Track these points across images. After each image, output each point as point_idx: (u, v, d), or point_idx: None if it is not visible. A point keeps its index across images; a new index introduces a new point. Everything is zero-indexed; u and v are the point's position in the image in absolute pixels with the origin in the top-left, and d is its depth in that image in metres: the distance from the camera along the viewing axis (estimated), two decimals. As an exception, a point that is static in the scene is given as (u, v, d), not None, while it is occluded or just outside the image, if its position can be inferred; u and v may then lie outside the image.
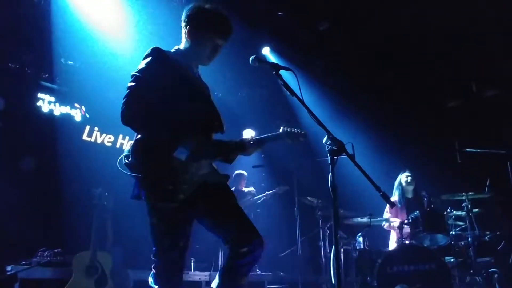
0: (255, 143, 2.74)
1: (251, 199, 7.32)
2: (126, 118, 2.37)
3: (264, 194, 7.33)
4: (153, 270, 2.52)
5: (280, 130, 2.83)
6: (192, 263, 6.26)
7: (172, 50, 2.67)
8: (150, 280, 2.54)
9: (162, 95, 2.42)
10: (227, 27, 2.67)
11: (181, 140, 2.41)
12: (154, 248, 2.50)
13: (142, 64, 2.47)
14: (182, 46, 2.69)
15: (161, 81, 2.44)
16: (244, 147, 2.71)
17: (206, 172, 2.52)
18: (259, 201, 7.40)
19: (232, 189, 7.53)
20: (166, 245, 2.46)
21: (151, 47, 2.54)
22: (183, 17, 2.67)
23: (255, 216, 7.45)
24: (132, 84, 2.40)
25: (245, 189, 7.49)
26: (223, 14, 2.66)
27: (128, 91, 2.39)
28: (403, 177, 6.01)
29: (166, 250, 2.47)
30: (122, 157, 2.43)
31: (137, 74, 2.43)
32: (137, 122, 2.41)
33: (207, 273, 5.98)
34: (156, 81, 2.42)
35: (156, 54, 2.52)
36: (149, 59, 2.49)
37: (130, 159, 2.40)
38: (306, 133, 2.89)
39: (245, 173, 7.54)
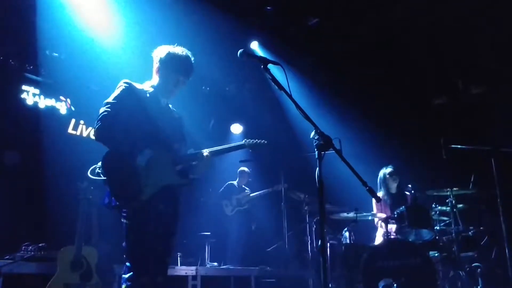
0: (212, 154, 3.06)
1: (250, 195, 7.52)
2: (97, 136, 2.88)
3: (265, 191, 7.46)
4: (125, 267, 2.77)
5: (243, 142, 3.29)
6: (178, 258, 6.25)
7: (141, 85, 3.10)
8: (124, 276, 2.76)
9: (127, 117, 2.88)
10: (189, 67, 3.13)
11: (141, 150, 2.82)
12: (125, 245, 2.79)
13: (114, 93, 2.96)
14: (153, 80, 3.16)
15: (127, 107, 2.90)
16: (201, 158, 3.03)
17: (168, 176, 2.91)
18: (254, 198, 7.54)
19: (235, 183, 7.76)
20: (135, 242, 2.75)
21: (122, 80, 3.02)
22: (154, 57, 3.13)
23: (244, 212, 7.51)
24: (104, 109, 2.87)
25: (245, 187, 7.71)
26: (186, 56, 3.13)
27: (100, 114, 2.86)
28: (386, 174, 6.01)
29: (135, 246, 2.75)
30: (95, 167, 2.91)
31: (108, 101, 2.91)
32: (105, 139, 2.87)
33: (193, 267, 5.97)
34: (122, 107, 2.89)
35: (125, 85, 2.99)
36: (120, 89, 2.97)
37: (100, 169, 2.85)
38: (266, 143, 3.34)
39: (247, 169, 7.88)
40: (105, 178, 2.79)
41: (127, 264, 2.75)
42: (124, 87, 2.98)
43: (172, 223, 2.95)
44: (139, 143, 2.84)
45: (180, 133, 3.19)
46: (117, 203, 2.76)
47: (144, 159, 2.80)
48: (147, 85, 3.12)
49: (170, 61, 3.08)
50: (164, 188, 2.86)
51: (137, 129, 2.88)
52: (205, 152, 3.04)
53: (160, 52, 3.11)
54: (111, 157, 2.83)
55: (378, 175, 6.13)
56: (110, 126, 2.82)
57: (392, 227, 5.41)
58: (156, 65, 3.12)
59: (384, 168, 6.06)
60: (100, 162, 2.84)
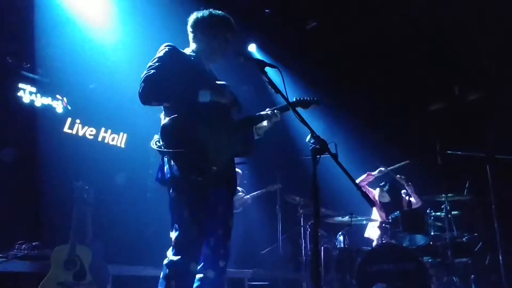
0: (272, 114, 2.94)
1: (243, 197, 7.46)
2: (144, 97, 2.56)
3: (259, 192, 7.42)
4: (173, 244, 2.54)
5: (294, 99, 3.03)
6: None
7: (184, 50, 2.86)
8: (170, 253, 2.54)
9: (175, 81, 2.59)
10: (233, 23, 2.94)
11: (202, 114, 2.56)
12: (175, 224, 2.54)
13: (157, 55, 2.68)
14: (191, 47, 2.91)
15: (173, 69, 2.63)
16: (270, 116, 2.91)
17: (233, 145, 2.70)
18: (249, 200, 7.49)
19: None
20: (188, 220, 2.52)
21: (164, 44, 2.75)
22: (191, 24, 2.90)
23: (238, 215, 7.50)
24: (145, 72, 2.58)
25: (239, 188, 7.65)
26: (227, 14, 2.95)
27: (142, 77, 2.57)
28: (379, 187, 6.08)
29: (187, 224, 2.52)
30: (153, 141, 2.58)
31: (150, 64, 2.62)
32: (155, 95, 2.58)
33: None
34: (168, 69, 2.61)
35: (168, 48, 2.72)
36: (163, 51, 2.70)
37: (161, 142, 2.54)
38: (319, 101, 3.11)
39: (239, 171, 7.69)
40: (166, 153, 2.51)
41: (174, 249, 2.52)
42: (167, 49, 2.71)
43: (230, 203, 2.80)
44: (194, 105, 2.56)
45: (232, 95, 2.87)
46: (184, 173, 2.49)
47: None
48: (188, 51, 2.89)
49: (216, 21, 2.88)
50: (227, 161, 2.66)
51: (189, 91, 2.60)
52: (270, 111, 2.94)
53: (195, 17, 2.90)
54: (169, 126, 2.55)
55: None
56: (158, 83, 2.54)
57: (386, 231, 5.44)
58: (197, 31, 2.89)
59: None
60: (159, 134, 2.56)
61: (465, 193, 5.41)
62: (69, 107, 6.66)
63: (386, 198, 6.04)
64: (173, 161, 2.52)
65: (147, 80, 2.54)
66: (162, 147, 2.51)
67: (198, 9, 2.94)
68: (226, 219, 2.72)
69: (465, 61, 7.02)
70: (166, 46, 2.74)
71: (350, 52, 7.36)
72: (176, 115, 2.56)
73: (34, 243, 4.75)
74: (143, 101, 2.57)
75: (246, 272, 6.67)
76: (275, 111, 2.97)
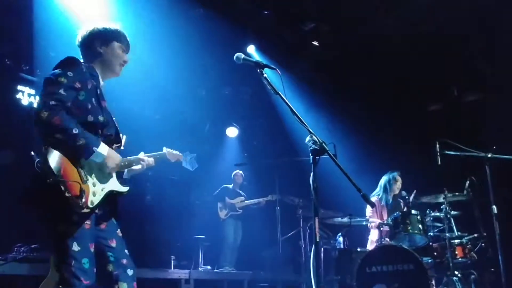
0: (146, 161, 2.84)
1: (243, 201, 7.48)
2: (37, 121, 2.34)
3: (260, 201, 7.43)
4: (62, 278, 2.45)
5: (164, 150, 3.04)
6: (172, 261, 6.22)
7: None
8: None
9: (74, 102, 2.42)
10: (124, 34, 2.81)
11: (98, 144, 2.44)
12: (60, 256, 2.44)
13: (57, 70, 2.45)
14: (87, 63, 2.68)
15: (74, 88, 2.43)
16: (135, 163, 2.80)
17: (113, 182, 2.61)
18: (254, 206, 7.50)
19: (230, 186, 7.65)
20: (76, 251, 2.40)
21: (68, 56, 2.53)
22: (83, 40, 2.71)
23: (238, 216, 7.49)
24: (46, 88, 2.37)
25: (240, 191, 7.69)
26: (117, 26, 2.80)
27: (42, 95, 2.37)
28: (395, 177, 6.00)
29: (75, 256, 2.40)
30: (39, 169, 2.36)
31: (51, 77, 2.39)
32: (47, 127, 2.35)
33: (186, 271, 5.95)
34: (70, 88, 2.40)
35: (72, 61, 2.52)
36: (66, 67, 2.46)
37: (41, 167, 2.34)
38: (182, 156, 3.16)
39: (240, 172, 7.82)
40: (46, 180, 2.29)
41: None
42: (68, 65, 2.47)
43: (111, 231, 2.64)
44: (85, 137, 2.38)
45: (117, 129, 2.73)
46: (60, 207, 2.33)
47: (101, 156, 2.44)
48: (88, 66, 2.63)
49: (109, 34, 2.72)
50: (107, 195, 2.55)
51: (84, 120, 2.45)
52: (143, 155, 2.85)
53: (93, 33, 2.71)
54: (52, 155, 2.35)
55: (372, 181, 6.14)
56: (51, 112, 2.30)
57: (386, 231, 5.43)
58: (91, 48, 2.69)
59: (390, 172, 6.04)
60: (41, 157, 2.36)
61: (464, 193, 5.39)
62: (68, 109, 6.65)
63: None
64: (52, 192, 2.30)
65: (40, 109, 2.31)
66: (44, 174, 2.32)
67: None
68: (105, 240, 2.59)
69: (464, 61, 7.02)
70: (68, 59, 2.53)
71: (349, 52, 7.36)
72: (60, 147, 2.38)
73: (33, 246, 4.74)
74: (34, 124, 2.36)
75: (246, 274, 6.67)
76: (150, 157, 2.88)
